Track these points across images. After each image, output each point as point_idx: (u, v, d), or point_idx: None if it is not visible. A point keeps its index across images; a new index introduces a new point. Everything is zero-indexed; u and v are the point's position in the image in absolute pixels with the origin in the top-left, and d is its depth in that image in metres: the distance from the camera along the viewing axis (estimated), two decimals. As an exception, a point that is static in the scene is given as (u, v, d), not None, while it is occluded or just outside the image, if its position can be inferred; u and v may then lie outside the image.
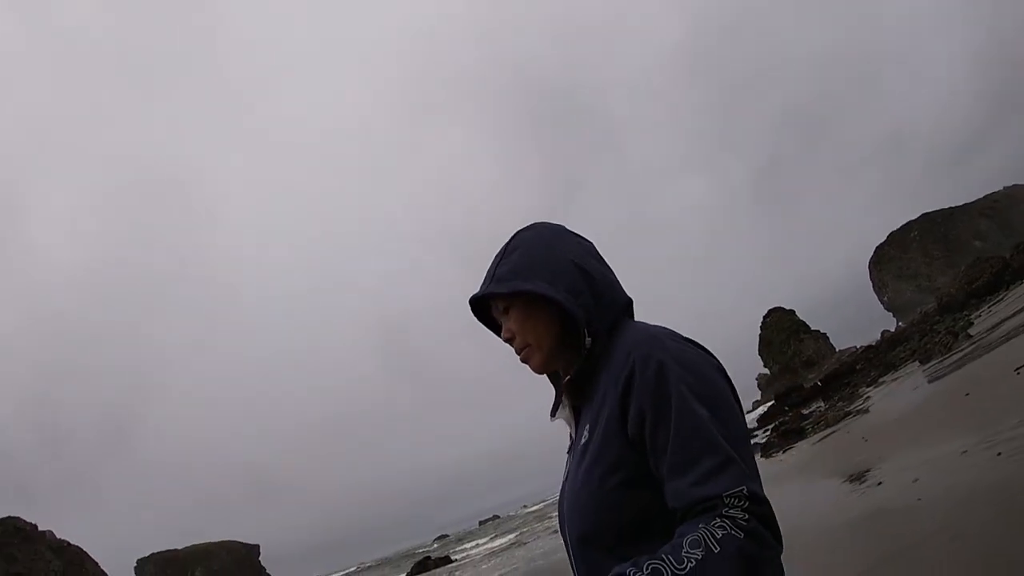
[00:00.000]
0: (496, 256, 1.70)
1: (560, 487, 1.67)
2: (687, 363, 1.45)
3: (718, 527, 1.28)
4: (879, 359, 35.44)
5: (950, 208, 77.94)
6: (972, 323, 24.36)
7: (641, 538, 1.41)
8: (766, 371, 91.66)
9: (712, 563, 1.25)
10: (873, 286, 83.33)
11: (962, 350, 19.16)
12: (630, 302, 1.67)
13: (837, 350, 71.37)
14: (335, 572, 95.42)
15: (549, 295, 1.58)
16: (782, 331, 75.85)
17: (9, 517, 52.69)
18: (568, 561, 1.60)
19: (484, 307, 1.76)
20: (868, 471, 9.91)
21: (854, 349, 63.25)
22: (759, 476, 1.38)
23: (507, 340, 1.69)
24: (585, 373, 1.59)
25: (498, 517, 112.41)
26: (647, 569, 1.27)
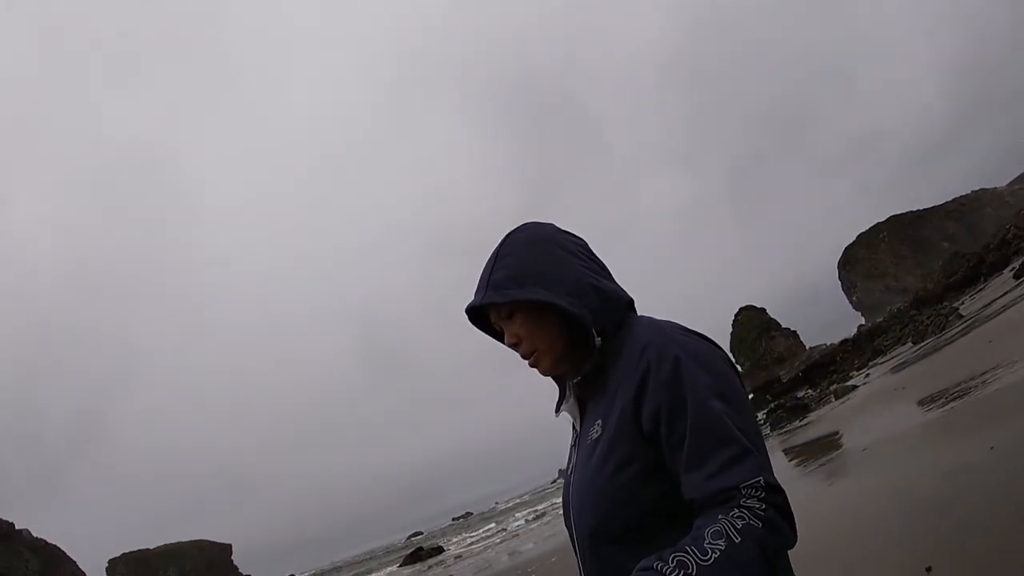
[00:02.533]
0: (489, 261, 1.66)
1: (565, 482, 1.69)
2: (701, 358, 1.47)
3: (737, 517, 1.30)
4: (859, 349, 36.86)
5: (919, 210, 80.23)
6: (958, 309, 25.70)
7: (655, 531, 1.43)
8: (737, 368, 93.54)
9: (735, 553, 1.27)
10: (842, 286, 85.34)
11: (957, 328, 20.36)
12: (632, 300, 1.66)
13: (808, 347, 73.41)
14: (310, 570, 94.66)
15: (550, 302, 1.56)
16: (753, 329, 77.38)
17: None
18: (573, 553, 1.61)
19: (481, 312, 1.72)
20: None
21: (824, 346, 65.13)
22: (769, 464, 1.40)
23: (512, 346, 1.67)
24: (594, 371, 1.60)
25: (471, 514, 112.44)
26: (672, 561, 1.28)
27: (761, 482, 1.33)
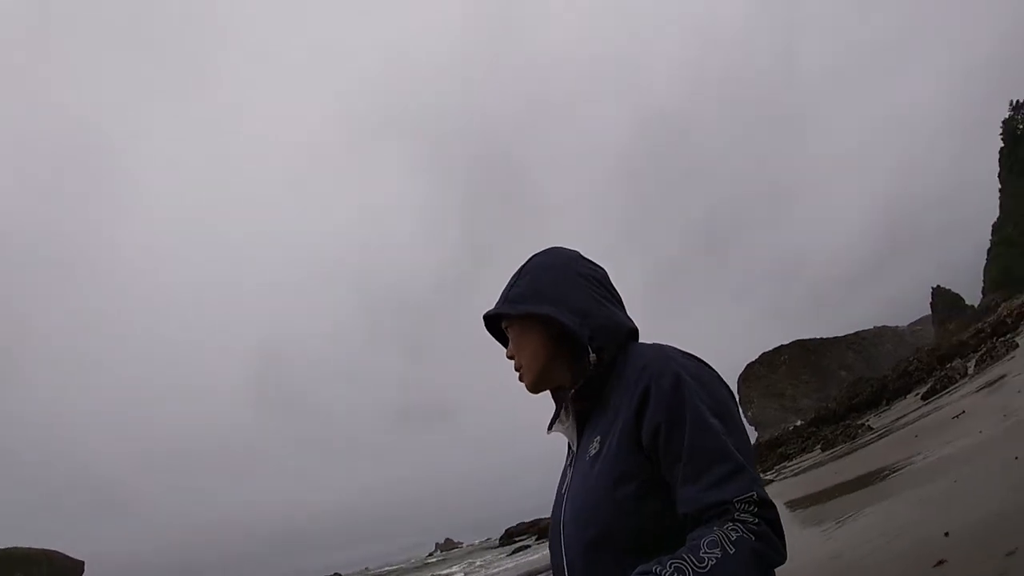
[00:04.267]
0: (512, 277, 1.79)
1: (557, 500, 1.72)
2: (701, 378, 1.54)
3: (732, 530, 1.36)
4: (763, 456, 37.79)
5: (822, 338, 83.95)
6: (866, 423, 26.84)
7: (651, 547, 1.46)
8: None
9: (730, 562, 1.32)
10: (739, 400, 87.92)
11: (870, 437, 21.31)
12: (636, 329, 1.73)
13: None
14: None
15: (555, 317, 1.67)
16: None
17: None
18: (560, 572, 1.63)
19: (498, 325, 1.86)
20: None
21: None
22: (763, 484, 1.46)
23: (510, 358, 1.80)
24: (592, 388, 1.67)
25: (339, 575, 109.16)
26: (670, 567, 1.33)
27: (755, 496, 1.39)
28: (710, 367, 1.61)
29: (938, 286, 59.87)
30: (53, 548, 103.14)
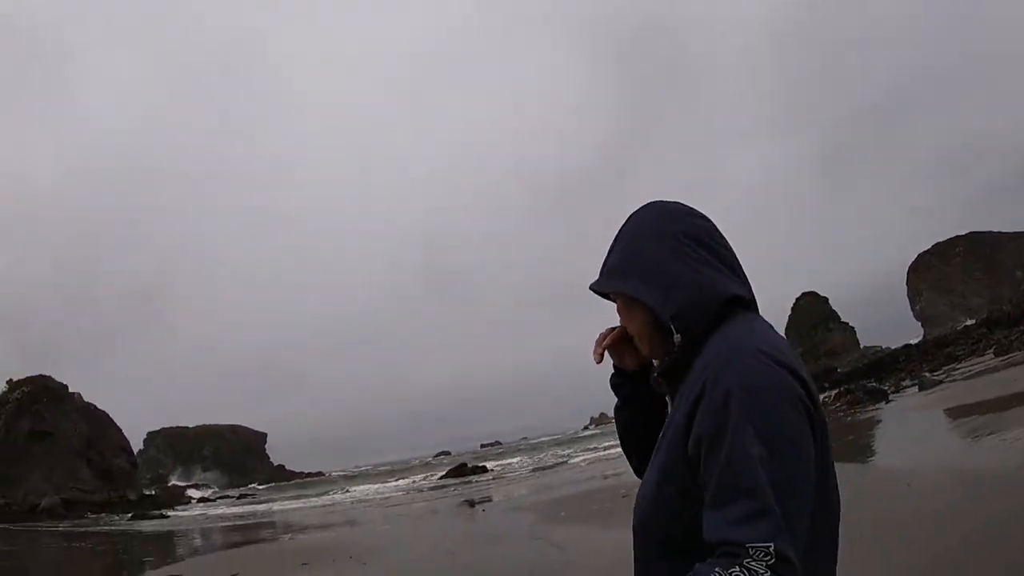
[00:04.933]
0: (612, 242, 1.71)
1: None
2: (758, 392, 1.36)
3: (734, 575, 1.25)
4: (926, 355, 37.35)
5: (1000, 232, 78.89)
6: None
7: (691, 549, 1.39)
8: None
9: None
10: (908, 292, 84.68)
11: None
12: (737, 297, 1.57)
13: (862, 346, 73.41)
14: (339, 470, 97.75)
15: (637, 297, 1.60)
16: (812, 316, 77.34)
17: (41, 376, 53.72)
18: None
19: None
20: None
21: (880, 348, 65.12)
22: (797, 536, 1.30)
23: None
24: (675, 370, 1.58)
25: (500, 443, 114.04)
26: None
27: (772, 548, 1.25)
28: (788, 370, 1.41)
29: None
30: (240, 423, 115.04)
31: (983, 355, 27.84)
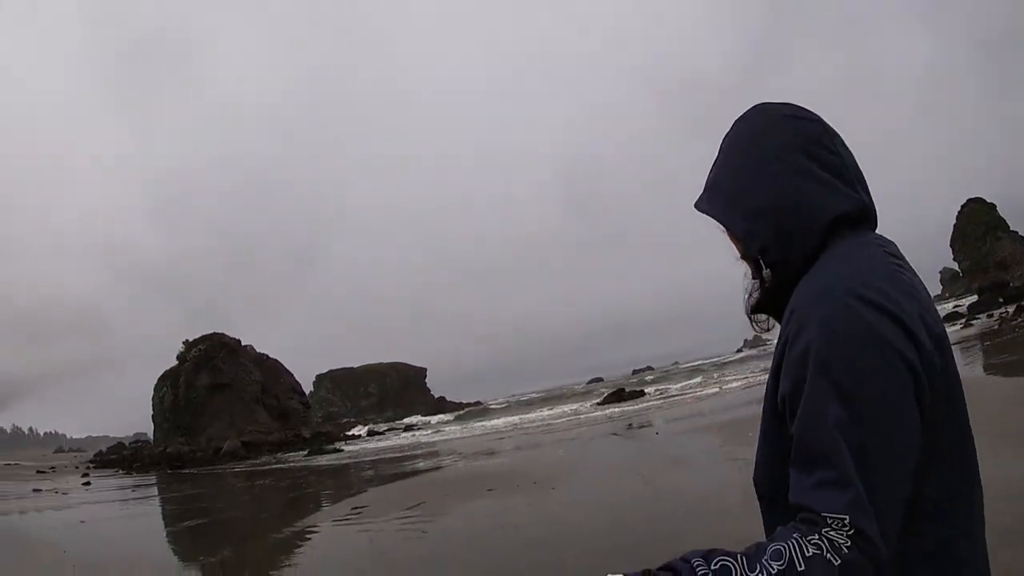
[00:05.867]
0: (718, 150, 1.55)
1: None
2: (842, 344, 1.20)
3: (812, 544, 1.13)
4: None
5: None
6: None
7: (782, 502, 1.27)
8: (951, 267, 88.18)
9: None
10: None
11: None
12: (844, 217, 1.37)
13: (1037, 255, 67.92)
14: (496, 400, 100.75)
15: (725, 224, 1.48)
16: (979, 225, 72.33)
17: (215, 333, 59.82)
18: None
19: None
20: None
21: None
22: (885, 510, 1.16)
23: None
24: (771, 307, 1.48)
25: (651, 368, 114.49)
26: (715, 564, 1.15)
27: (847, 521, 1.13)
28: (882, 315, 1.21)
29: None
30: (400, 360, 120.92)
31: None
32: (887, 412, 1.18)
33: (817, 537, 1.13)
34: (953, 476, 1.29)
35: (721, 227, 1.51)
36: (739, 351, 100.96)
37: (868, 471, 1.16)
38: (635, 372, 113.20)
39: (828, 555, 1.12)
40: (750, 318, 1.54)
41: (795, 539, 1.14)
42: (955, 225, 74.64)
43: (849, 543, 1.12)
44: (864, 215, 1.40)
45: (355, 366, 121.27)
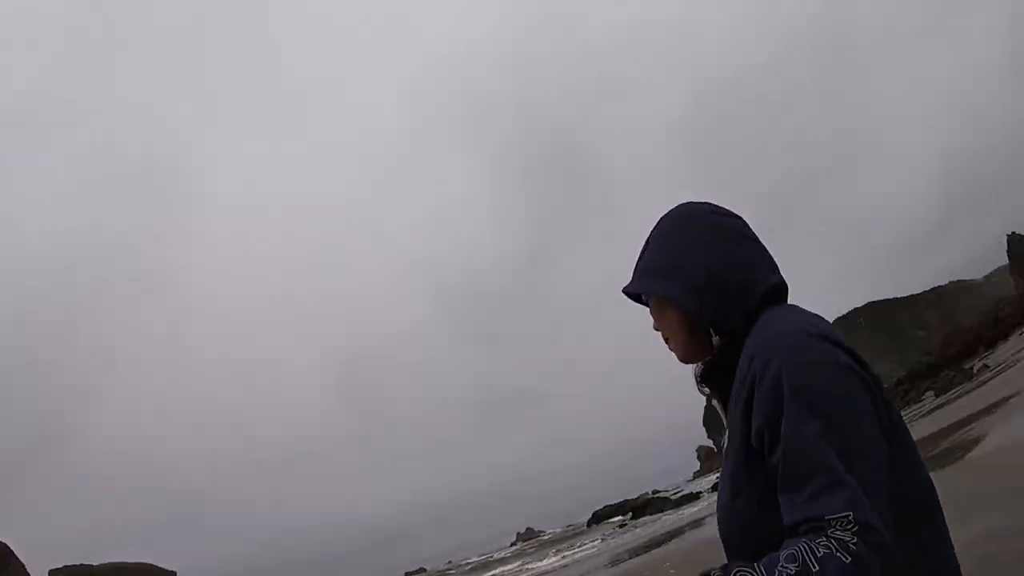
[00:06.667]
0: (643, 245, 1.66)
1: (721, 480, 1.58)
2: (806, 368, 1.32)
3: (822, 545, 1.18)
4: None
5: (896, 298, 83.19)
6: (972, 368, 27.28)
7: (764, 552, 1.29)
8: (706, 444, 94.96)
9: None
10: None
11: (992, 372, 21.88)
12: (772, 289, 1.53)
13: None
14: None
15: (668, 296, 1.56)
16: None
17: None
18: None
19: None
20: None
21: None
22: (880, 499, 1.24)
23: (656, 329, 1.67)
24: (719, 370, 1.53)
25: (424, 570, 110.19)
26: (735, 575, 1.22)
27: (851, 517, 1.19)
28: (828, 343, 1.37)
29: (1013, 233, 58.79)
30: (145, 561, 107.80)
31: (919, 401, 28.60)
32: (861, 420, 1.30)
33: (825, 539, 1.18)
34: (921, 480, 1.42)
35: (656, 304, 1.63)
36: (513, 544, 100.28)
37: (857, 470, 1.24)
38: (407, 575, 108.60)
39: (839, 553, 1.17)
40: (699, 385, 1.61)
41: (804, 543, 1.19)
42: (705, 407, 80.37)
43: (856, 539, 1.18)
44: (785, 291, 1.58)
45: (95, 563, 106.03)
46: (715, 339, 1.53)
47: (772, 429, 1.31)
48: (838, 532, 1.19)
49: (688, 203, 1.66)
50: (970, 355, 36.77)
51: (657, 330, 1.67)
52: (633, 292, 1.68)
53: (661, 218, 1.66)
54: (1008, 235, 57.26)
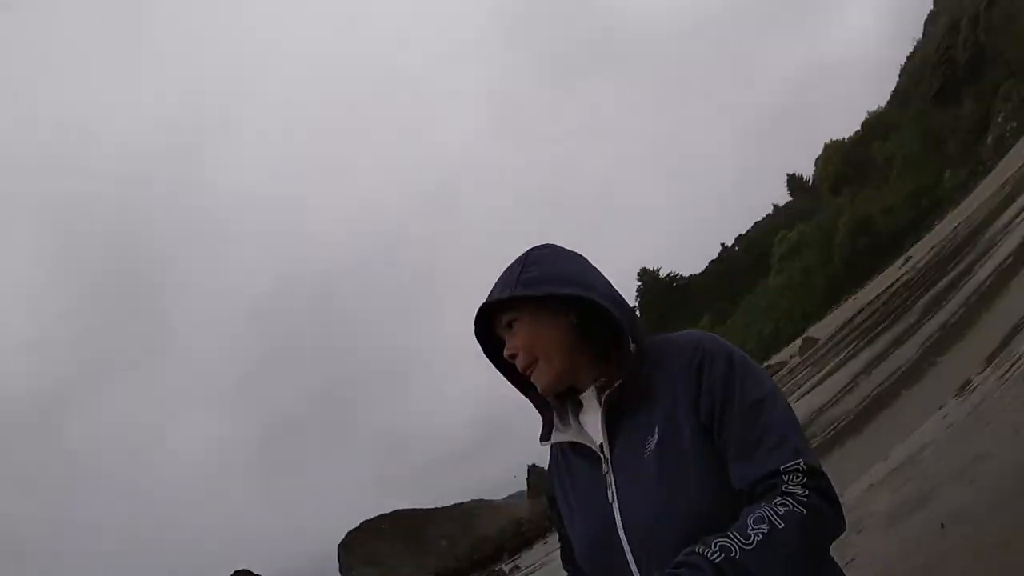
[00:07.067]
0: (514, 266, 1.57)
1: (600, 512, 1.49)
2: (743, 359, 1.48)
3: (780, 504, 1.29)
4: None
5: (423, 509, 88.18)
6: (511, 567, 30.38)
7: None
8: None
9: (778, 536, 1.26)
10: (340, 567, 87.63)
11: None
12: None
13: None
14: None
15: (592, 299, 1.50)
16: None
17: None
18: None
19: (487, 328, 1.62)
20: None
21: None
22: (813, 450, 1.40)
23: (511, 357, 1.57)
24: (633, 380, 1.49)
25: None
26: (715, 546, 1.26)
27: (801, 464, 1.33)
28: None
29: (533, 464, 67.39)
30: None
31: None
32: (782, 396, 1.47)
33: (780, 498, 1.31)
34: None
35: (532, 316, 1.55)
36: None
37: (797, 429, 1.43)
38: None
39: (794, 507, 1.30)
40: (604, 399, 1.52)
41: (763, 506, 1.31)
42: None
43: (807, 491, 1.31)
44: None
45: None
46: (632, 347, 1.51)
47: (726, 402, 1.42)
48: (791, 487, 1.31)
49: (554, 244, 1.66)
50: (496, 561, 41.08)
51: (512, 355, 1.56)
52: (523, 296, 1.51)
53: (533, 248, 1.61)
54: (529, 466, 65.76)
